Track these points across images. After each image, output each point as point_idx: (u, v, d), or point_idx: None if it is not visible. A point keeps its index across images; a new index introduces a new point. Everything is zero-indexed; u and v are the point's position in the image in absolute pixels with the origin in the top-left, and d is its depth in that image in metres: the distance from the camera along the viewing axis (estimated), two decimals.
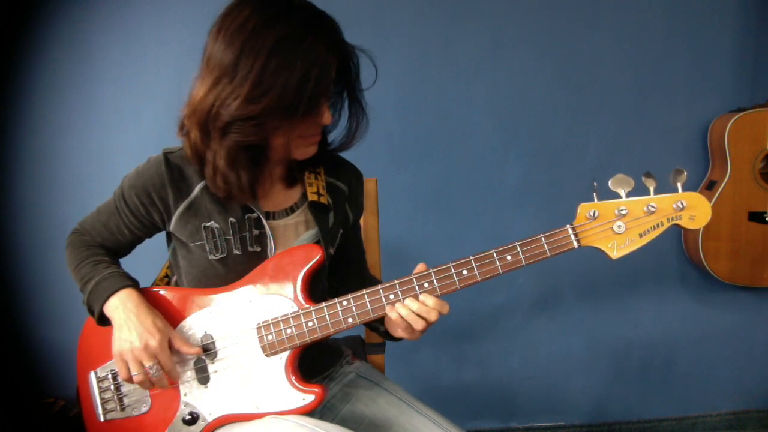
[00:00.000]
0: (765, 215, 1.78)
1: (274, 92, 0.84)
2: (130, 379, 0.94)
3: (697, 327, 2.02)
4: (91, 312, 0.97)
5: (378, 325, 1.06)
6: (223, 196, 0.95)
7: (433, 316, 0.90)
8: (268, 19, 0.84)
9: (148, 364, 0.92)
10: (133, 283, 0.99)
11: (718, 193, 1.78)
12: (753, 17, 1.85)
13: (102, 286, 0.95)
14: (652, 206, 0.90)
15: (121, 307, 0.93)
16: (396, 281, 0.93)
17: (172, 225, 0.99)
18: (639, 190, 0.91)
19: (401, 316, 0.90)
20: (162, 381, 0.94)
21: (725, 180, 1.78)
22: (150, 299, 0.98)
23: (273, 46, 0.83)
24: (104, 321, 0.96)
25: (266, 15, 0.85)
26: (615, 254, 0.91)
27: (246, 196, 0.95)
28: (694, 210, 0.90)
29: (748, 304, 2.01)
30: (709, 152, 1.88)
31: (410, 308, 0.90)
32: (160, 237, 1.09)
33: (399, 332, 0.96)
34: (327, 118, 0.93)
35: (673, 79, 1.88)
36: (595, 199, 0.91)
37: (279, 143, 0.93)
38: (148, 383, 0.94)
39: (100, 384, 1.01)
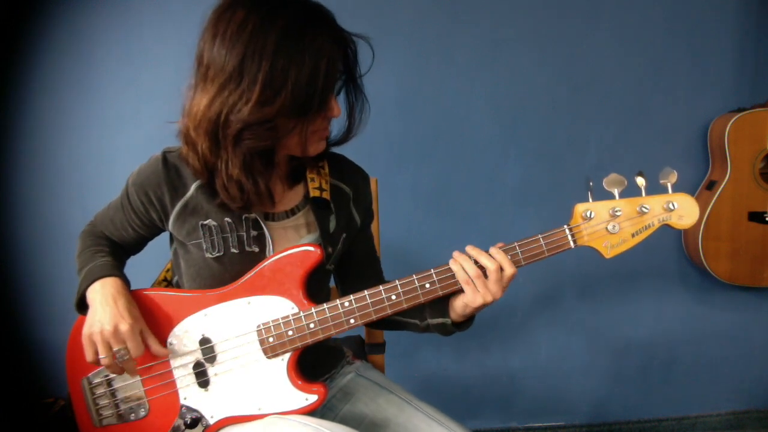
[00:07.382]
0: (765, 215, 1.77)
1: (286, 91, 0.82)
2: (97, 362, 0.91)
3: (697, 327, 2.02)
4: (77, 296, 0.97)
5: (431, 320, 1.01)
6: (240, 206, 0.93)
7: (509, 268, 0.90)
8: (266, 17, 0.82)
9: (116, 348, 0.90)
10: (123, 276, 0.98)
11: (718, 193, 1.78)
12: (753, 17, 1.85)
13: (92, 271, 0.96)
14: (645, 207, 0.92)
15: (101, 290, 0.93)
16: (398, 281, 0.94)
17: (170, 224, 0.99)
18: (631, 189, 0.92)
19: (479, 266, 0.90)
20: (129, 367, 0.92)
21: (725, 180, 1.77)
22: (147, 301, 0.98)
23: (278, 44, 0.81)
24: (83, 308, 0.95)
25: (263, 13, 0.83)
26: (609, 253, 0.93)
27: (265, 201, 0.94)
28: (683, 210, 0.92)
29: (748, 304, 2.01)
30: (709, 152, 1.88)
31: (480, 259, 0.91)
32: (161, 241, 1.09)
33: (468, 295, 0.91)
34: (337, 110, 0.92)
35: (673, 79, 1.88)
36: (590, 199, 0.92)
37: (293, 143, 0.91)
38: (115, 368, 0.92)
39: (95, 390, 1.00)
